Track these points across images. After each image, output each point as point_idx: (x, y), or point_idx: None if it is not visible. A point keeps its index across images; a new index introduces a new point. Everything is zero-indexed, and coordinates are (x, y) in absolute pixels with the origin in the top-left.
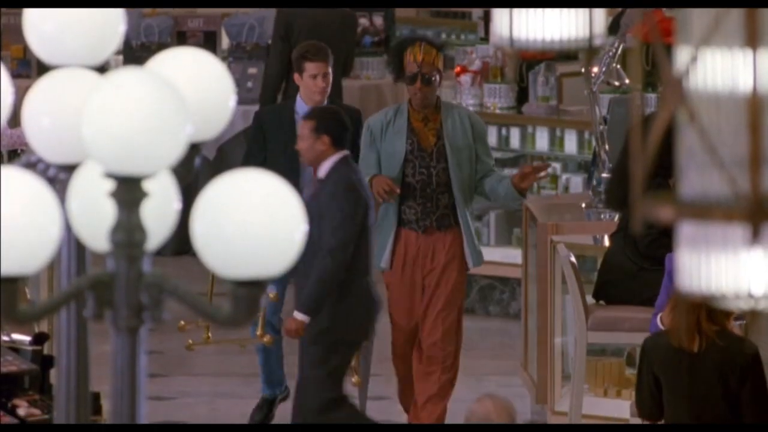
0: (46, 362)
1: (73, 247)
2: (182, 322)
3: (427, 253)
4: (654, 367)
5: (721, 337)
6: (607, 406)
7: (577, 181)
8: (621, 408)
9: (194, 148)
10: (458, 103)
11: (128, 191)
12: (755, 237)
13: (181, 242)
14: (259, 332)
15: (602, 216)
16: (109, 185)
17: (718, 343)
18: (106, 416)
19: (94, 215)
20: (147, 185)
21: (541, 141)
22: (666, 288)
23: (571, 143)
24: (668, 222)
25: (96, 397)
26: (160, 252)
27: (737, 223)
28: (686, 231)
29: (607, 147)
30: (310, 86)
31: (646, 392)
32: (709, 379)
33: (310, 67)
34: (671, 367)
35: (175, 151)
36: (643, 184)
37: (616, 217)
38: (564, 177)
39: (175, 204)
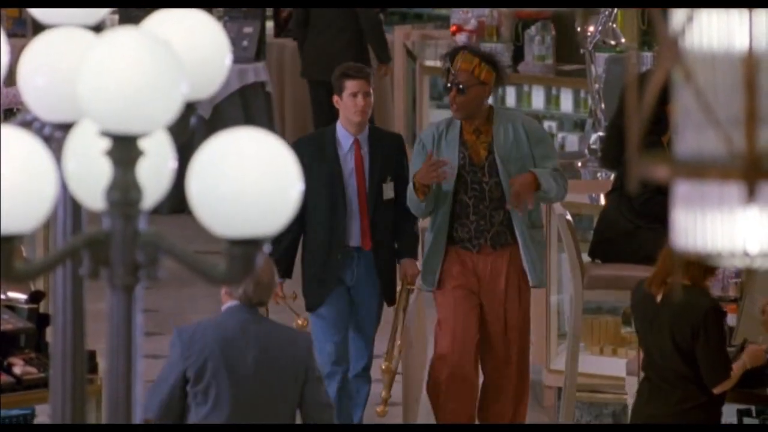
0: (42, 320)
1: (69, 205)
2: None
3: (485, 274)
4: (632, 309)
5: (685, 292)
6: (603, 364)
7: (572, 140)
8: (617, 366)
9: (190, 107)
10: (511, 109)
11: (124, 150)
12: (750, 195)
13: (177, 201)
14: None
15: (598, 174)
16: (105, 144)
17: (677, 297)
18: (102, 374)
19: (90, 174)
20: (143, 144)
21: (537, 100)
22: None
23: (566, 102)
24: (664, 181)
25: (92, 355)
26: (156, 210)
27: (733, 182)
28: (682, 190)
29: (602, 106)
30: (350, 106)
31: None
32: (664, 331)
33: (351, 85)
34: (639, 313)
35: (171, 109)
36: (639, 143)
37: (612, 176)
38: (560, 136)
39: (171, 163)
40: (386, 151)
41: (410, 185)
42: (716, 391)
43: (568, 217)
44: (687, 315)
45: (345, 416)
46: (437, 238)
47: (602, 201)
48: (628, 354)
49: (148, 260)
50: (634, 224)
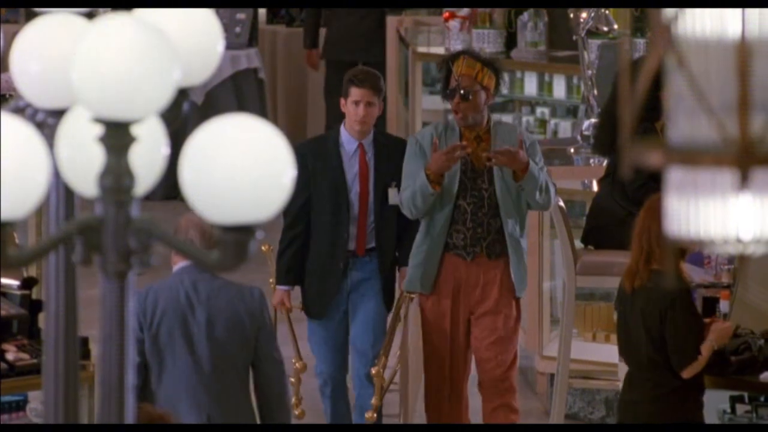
0: (34, 307)
1: (62, 192)
2: None
3: (477, 283)
4: (616, 304)
5: (653, 279)
6: (596, 350)
7: (565, 126)
8: (609, 352)
9: (182, 93)
10: (506, 121)
11: (116, 136)
12: (743, 182)
13: (169, 187)
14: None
15: (591, 161)
16: (98, 130)
17: (647, 286)
18: (95, 360)
19: (83, 160)
20: (135, 130)
21: (530, 86)
22: None
23: (559, 88)
24: (657, 167)
25: (84, 341)
26: (149, 197)
27: (726, 168)
28: (675, 176)
29: (595, 92)
30: (351, 113)
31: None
32: (636, 319)
33: (354, 93)
34: (619, 307)
35: (164, 96)
36: (632, 129)
37: (605, 162)
38: (552, 122)
39: (164, 149)
40: (391, 156)
41: (421, 178)
42: (685, 375)
43: (561, 203)
44: (656, 300)
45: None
46: (436, 243)
47: (595, 187)
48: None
49: (140, 246)
50: (627, 210)
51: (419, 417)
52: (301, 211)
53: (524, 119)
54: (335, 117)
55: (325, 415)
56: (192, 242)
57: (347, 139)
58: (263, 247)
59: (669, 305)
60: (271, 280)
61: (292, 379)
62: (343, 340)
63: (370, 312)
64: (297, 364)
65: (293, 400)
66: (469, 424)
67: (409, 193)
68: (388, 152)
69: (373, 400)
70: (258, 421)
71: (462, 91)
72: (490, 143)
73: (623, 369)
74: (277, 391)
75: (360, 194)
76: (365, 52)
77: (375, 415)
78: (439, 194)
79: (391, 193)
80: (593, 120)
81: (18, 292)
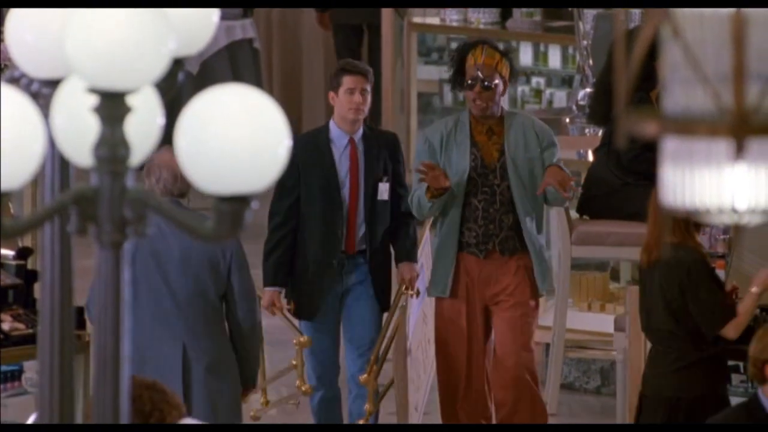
0: (29, 276)
1: (57, 162)
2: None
3: (489, 280)
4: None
5: (672, 251)
6: (591, 320)
7: (560, 96)
8: (605, 322)
9: (177, 63)
10: (522, 111)
11: (112, 106)
12: (739, 152)
13: None
14: (299, 384)
15: (586, 131)
16: (93, 100)
17: (664, 258)
18: (90, 330)
19: (78, 130)
20: (130, 100)
21: (525, 56)
22: None
23: (554, 58)
24: (652, 137)
25: (79, 311)
26: (144, 167)
27: (721, 138)
28: (670, 146)
29: (590, 62)
30: (345, 102)
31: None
32: (655, 294)
33: (348, 81)
34: (639, 281)
35: (159, 66)
36: (627, 99)
37: (600, 132)
38: (548, 92)
39: (159, 119)
40: (382, 150)
41: (419, 186)
42: (732, 334)
43: None
44: (674, 274)
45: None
46: (447, 244)
47: (590, 157)
48: (616, 310)
49: (135, 217)
50: (622, 180)
51: (418, 418)
52: (290, 211)
53: (519, 89)
54: None
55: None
56: (163, 182)
57: (338, 134)
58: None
59: (687, 277)
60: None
61: (294, 362)
62: (334, 344)
63: (365, 315)
64: (301, 338)
65: (297, 381)
66: (468, 425)
67: (414, 197)
68: (378, 146)
69: (366, 406)
70: (232, 353)
71: (484, 81)
72: (503, 136)
73: (619, 338)
74: (249, 324)
75: (350, 191)
76: (371, 14)
77: (366, 421)
78: (451, 193)
79: (382, 187)
80: (588, 90)
81: (13, 262)
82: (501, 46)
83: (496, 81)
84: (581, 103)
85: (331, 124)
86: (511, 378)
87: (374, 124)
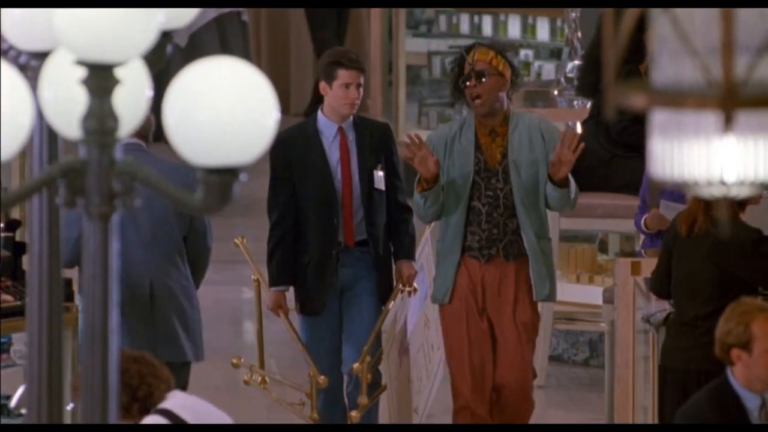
0: (18, 249)
1: (45, 134)
2: (235, 360)
3: (492, 284)
4: (670, 245)
5: (715, 225)
6: (580, 292)
7: (549, 69)
8: (593, 294)
9: (166, 36)
10: (529, 111)
11: (100, 79)
12: (727, 124)
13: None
14: (313, 415)
15: (574, 103)
16: (81, 73)
17: (711, 232)
18: (78, 302)
19: (66, 103)
20: (119, 73)
21: (513, 29)
22: (647, 180)
23: (543, 31)
24: (641, 109)
25: (68, 283)
26: None
27: (709, 111)
28: (659, 118)
29: (579, 34)
30: (340, 97)
31: (661, 269)
32: (696, 267)
33: (344, 75)
34: (675, 250)
35: (147, 38)
36: (616, 71)
37: (589, 104)
38: (536, 64)
39: (147, 91)
40: (374, 139)
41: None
42: None
43: None
44: (726, 246)
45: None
46: (451, 249)
47: (579, 129)
48: (604, 282)
49: (124, 189)
50: (611, 153)
51: (419, 420)
52: (287, 205)
53: None
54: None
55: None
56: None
57: (326, 124)
58: (236, 240)
59: (750, 251)
60: (254, 277)
61: (307, 392)
62: (337, 339)
63: (366, 313)
64: (319, 380)
65: (312, 413)
66: (467, 425)
67: (414, 199)
68: (370, 134)
69: (360, 399)
70: (192, 287)
71: (479, 74)
72: (506, 137)
73: (607, 311)
74: (204, 258)
75: (343, 180)
76: None
77: (360, 414)
78: (450, 197)
79: (377, 176)
80: (577, 62)
81: (1, 235)
82: (497, 45)
83: (492, 74)
84: (570, 75)
85: (320, 114)
86: (511, 403)
87: (362, 98)
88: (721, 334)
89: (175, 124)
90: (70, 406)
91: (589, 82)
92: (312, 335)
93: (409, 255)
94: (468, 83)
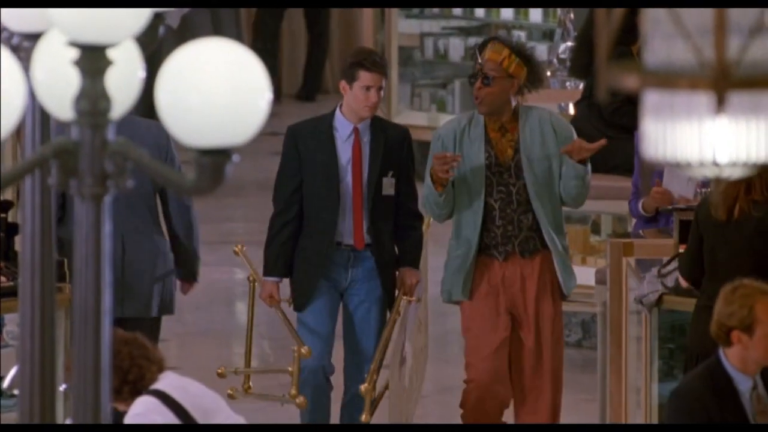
0: (11, 229)
1: (38, 115)
2: (220, 369)
3: (514, 281)
4: (701, 230)
5: (756, 208)
6: None
7: (541, 50)
8: (586, 275)
9: (158, 17)
10: (539, 106)
11: (92, 60)
12: (720, 105)
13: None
14: (293, 392)
15: (567, 84)
16: (74, 54)
17: (753, 215)
18: (70, 282)
19: (59, 84)
20: (111, 54)
21: (506, 10)
22: (638, 165)
23: (535, 12)
24: (633, 90)
25: (60, 264)
26: None
27: (702, 92)
28: (651, 99)
29: (572, 15)
30: (360, 99)
31: (694, 256)
32: (740, 248)
33: (366, 78)
34: (709, 234)
35: (139, 19)
36: (608, 52)
37: (581, 85)
38: (529, 45)
39: (140, 72)
40: (390, 143)
41: (427, 181)
42: None
43: None
44: (766, 230)
45: (320, 418)
46: (468, 246)
47: (571, 110)
48: (597, 263)
49: (116, 170)
50: (603, 133)
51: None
52: (292, 197)
53: None
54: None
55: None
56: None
57: (342, 122)
58: (235, 248)
59: None
60: (249, 277)
61: (290, 369)
62: (330, 331)
63: (364, 317)
64: (302, 350)
65: (292, 390)
66: (467, 425)
67: (424, 195)
68: (386, 139)
69: (363, 416)
70: (167, 246)
71: (485, 76)
72: (517, 132)
73: (600, 291)
74: (184, 219)
75: (353, 182)
76: None
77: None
78: (463, 194)
79: (386, 182)
80: (569, 43)
81: None
82: (514, 44)
83: (500, 77)
84: (562, 56)
85: (337, 111)
86: (536, 410)
87: None
88: (721, 316)
89: (167, 105)
90: (62, 387)
91: (582, 64)
92: (305, 325)
93: (414, 263)
94: (474, 83)
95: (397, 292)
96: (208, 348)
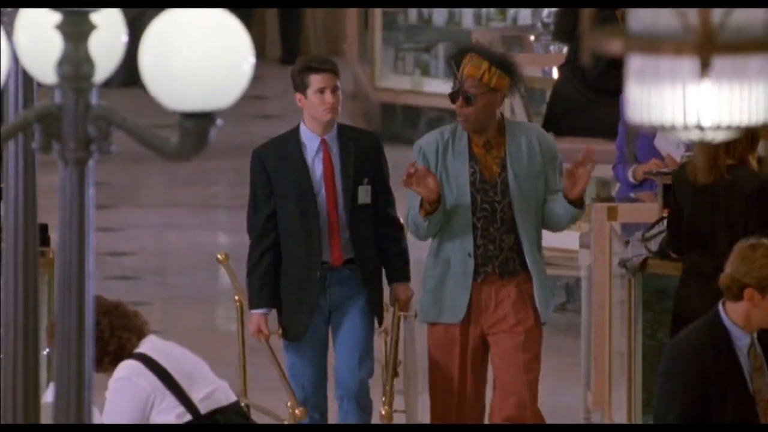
0: None
1: (21, 79)
2: None
3: (488, 305)
4: (678, 197)
5: (731, 171)
6: (556, 237)
7: (525, 14)
8: (570, 239)
9: None
10: (523, 121)
11: (75, 24)
12: (704, 69)
13: (129, 74)
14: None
15: (551, 48)
16: (56, 18)
17: (725, 179)
18: (54, 247)
19: (42, 48)
20: (94, 18)
21: None
22: (623, 130)
23: None
24: (617, 54)
25: (44, 228)
26: (108, 84)
27: (686, 56)
28: (635, 63)
29: None
30: (317, 104)
31: (675, 227)
32: (715, 210)
33: (316, 80)
34: (687, 200)
35: None
36: (592, 16)
37: (565, 49)
38: (512, 9)
39: (123, 36)
40: (360, 151)
41: (410, 201)
42: None
43: (522, 90)
44: (740, 192)
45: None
46: (446, 266)
47: (555, 74)
48: (580, 227)
49: (99, 134)
50: (587, 98)
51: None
52: (267, 223)
53: (484, 11)
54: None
55: None
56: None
57: (308, 136)
58: (219, 256)
59: (757, 198)
60: (236, 297)
61: (285, 421)
62: (321, 369)
63: (358, 330)
64: (297, 412)
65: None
66: (467, 424)
67: (409, 215)
68: (357, 147)
69: None
70: None
71: (467, 94)
72: (503, 149)
73: (584, 255)
74: None
75: (327, 197)
76: None
77: None
78: (449, 211)
79: (362, 190)
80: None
81: None
82: (497, 50)
83: (482, 93)
84: (546, 20)
85: (302, 126)
86: (512, 417)
87: (337, 42)
88: (737, 272)
89: (150, 69)
90: (45, 352)
91: (566, 27)
92: (295, 361)
93: (404, 276)
94: (455, 101)
95: (391, 308)
96: (191, 311)
